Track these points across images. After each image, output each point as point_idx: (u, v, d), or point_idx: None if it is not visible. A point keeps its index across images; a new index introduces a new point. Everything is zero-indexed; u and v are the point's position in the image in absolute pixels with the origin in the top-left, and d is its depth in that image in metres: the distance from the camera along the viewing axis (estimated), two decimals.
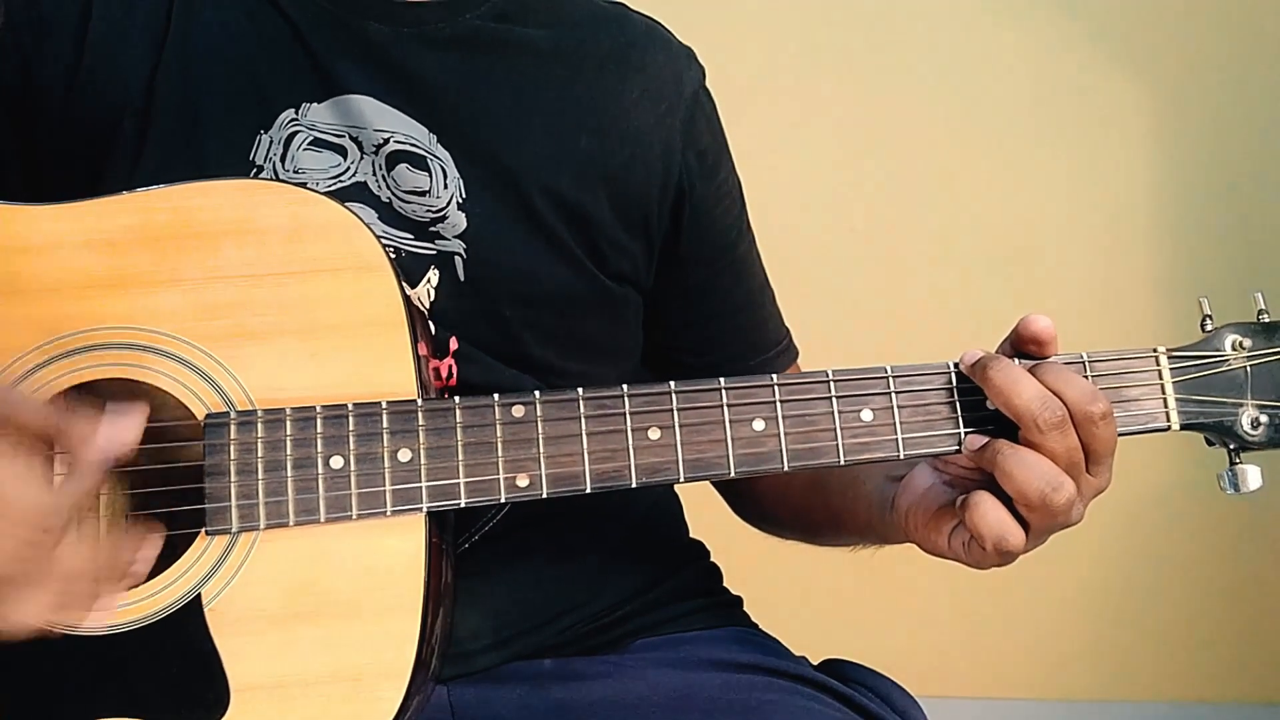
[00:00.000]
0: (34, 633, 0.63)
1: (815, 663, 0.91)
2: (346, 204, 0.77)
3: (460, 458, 0.72)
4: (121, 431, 0.66)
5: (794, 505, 0.99)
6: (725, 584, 1.01)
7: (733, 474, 0.74)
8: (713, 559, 1.02)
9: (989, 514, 0.73)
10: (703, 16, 1.45)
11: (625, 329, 0.95)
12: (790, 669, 0.88)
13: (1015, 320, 0.78)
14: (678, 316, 0.98)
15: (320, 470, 0.71)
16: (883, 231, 1.97)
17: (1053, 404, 0.72)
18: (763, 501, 1.02)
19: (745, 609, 1.00)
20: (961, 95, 1.95)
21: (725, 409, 0.74)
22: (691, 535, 1.03)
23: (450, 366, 0.85)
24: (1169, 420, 0.76)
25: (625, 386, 0.74)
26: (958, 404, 0.75)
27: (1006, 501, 0.73)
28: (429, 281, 0.84)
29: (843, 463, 0.74)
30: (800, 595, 1.78)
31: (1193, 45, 1.91)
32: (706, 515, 1.04)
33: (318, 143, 0.84)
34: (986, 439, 0.74)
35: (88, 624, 0.68)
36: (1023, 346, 0.76)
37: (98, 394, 0.75)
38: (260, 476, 0.70)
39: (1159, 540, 1.96)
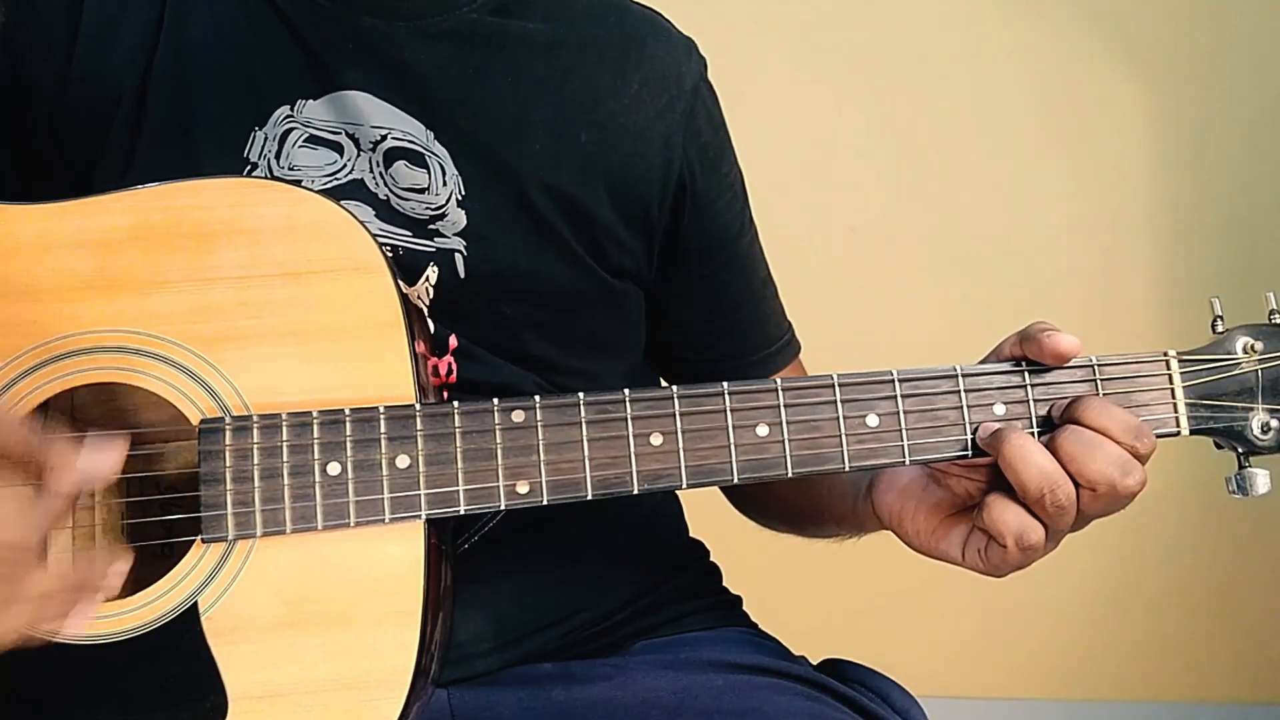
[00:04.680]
0: (9, 646, 0.61)
1: (815, 663, 0.91)
2: (342, 202, 0.75)
3: (459, 464, 0.70)
4: (99, 463, 0.63)
5: (779, 496, 0.98)
6: (725, 584, 1.01)
7: (736, 480, 0.72)
8: (712, 559, 1.02)
9: (1005, 512, 0.72)
10: (703, 8, 1.44)
11: (627, 325, 0.94)
12: (790, 669, 0.88)
13: (1019, 321, 0.77)
14: (679, 311, 0.97)
15: (318, 477, 0.70)
16: (884, 231, 1.96)
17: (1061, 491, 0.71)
18: (751, 491, 1.02)
19: (745, 609, 0.99)
20: (965, 94, 1.94)
21: (728, 414, 0.73)
22: (691, 535, 1.02)
23: (450, 364, 0.84)
24: (1179, 425, 0.75)
25: (627, 391, 0.72)
26: (965, 409, 0.74)
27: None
28: (428, 279, 0.83)
29: (848, 469, 0.73)
30: (800, 595, 1.78)
31: (1197, 44, 1.90)
32: (706, 515, 1.03)
33: (313, 139, 0.83)
34: (998, 426, 0.73)
35: (66, 632, 0.67)
36: (1039, 359, 0.75)
37: (90, 398, 0.74)
38: (257, 483, 0.69)
39: (1159, 540, 1.96)
